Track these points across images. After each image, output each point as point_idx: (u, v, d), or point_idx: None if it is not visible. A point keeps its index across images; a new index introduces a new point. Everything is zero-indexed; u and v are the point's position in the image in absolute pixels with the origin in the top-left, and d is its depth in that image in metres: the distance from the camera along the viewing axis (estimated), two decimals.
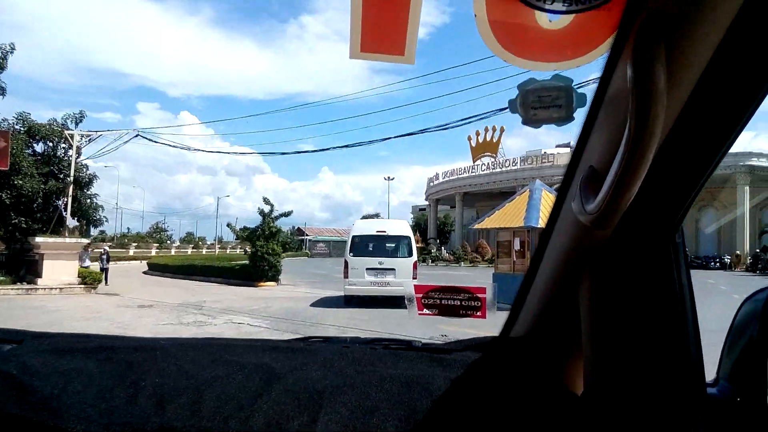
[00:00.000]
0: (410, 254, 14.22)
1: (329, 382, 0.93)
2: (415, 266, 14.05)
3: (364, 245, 14.27)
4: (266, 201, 23.44)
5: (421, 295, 1.42)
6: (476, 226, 18.03)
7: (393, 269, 13.86)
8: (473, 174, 53.48)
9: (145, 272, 31.94)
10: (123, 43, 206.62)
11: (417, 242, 53.53)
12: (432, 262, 46.43)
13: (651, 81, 0.53)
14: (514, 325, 1.13)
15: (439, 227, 61.39)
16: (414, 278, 13.60)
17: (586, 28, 1.05)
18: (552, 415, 0.87)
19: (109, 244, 42.91)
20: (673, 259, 0.82)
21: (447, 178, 57.61)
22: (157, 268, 31.40)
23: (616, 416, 0.84)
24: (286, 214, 24.38)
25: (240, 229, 25.21)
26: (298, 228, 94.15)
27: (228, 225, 26.32)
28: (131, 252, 48.09)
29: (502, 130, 43.96)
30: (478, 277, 25.52)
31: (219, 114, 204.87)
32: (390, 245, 14.52)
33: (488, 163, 50.43)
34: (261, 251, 22.70)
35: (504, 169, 50.27)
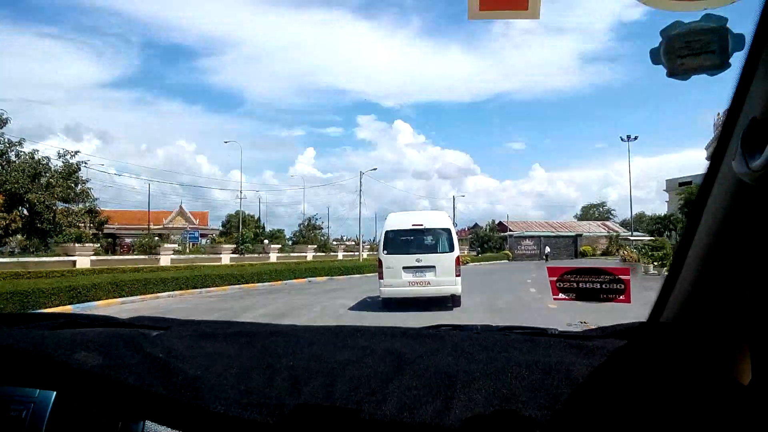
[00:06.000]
0: (451, 249, 12.92)
1: (461, 368, 0.91)
2: (458, 262, 12.80)
3: (400, 241, 12.97)
4: None
5: (555, 279, 1.29)
6: None
7: (433, 266, 12.59)
8: None
9: None
10: (341, 61, 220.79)
11: None
12: None
13: None
14: (664, 309, 1.01)
15: None
16: (457, 275, 12.64)
17: None
18: (712, 405, 0.80)
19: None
20: None
21: None
22: None
23: None
24: None
25: None
26: (499, 222, 72.40)
27: None
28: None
29: None
30: None
31: (429, 120, 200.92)
32: (428, 240, 13.16)
33: None
34: None
35: None
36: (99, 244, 29.84)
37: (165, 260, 26.49)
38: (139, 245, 28.09)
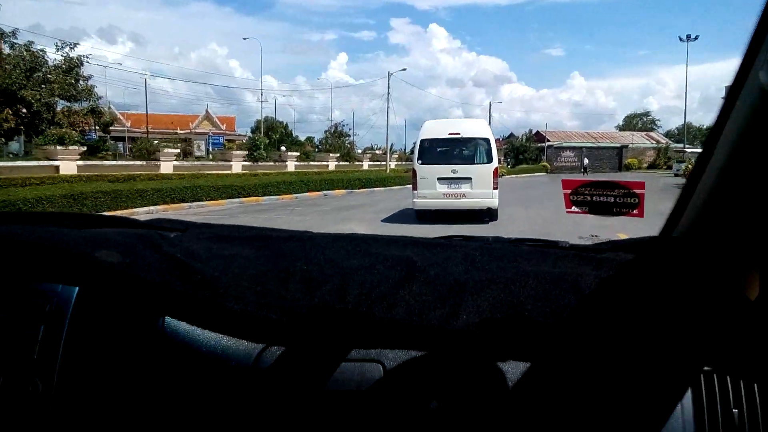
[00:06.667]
0: (489, 160, 12.16)
1: (470, 276, 0.93)
2: (495, 173, 12.00)
3: (435, 151, 12.32)
4: None
5: (569, 191, 1.29)
6: None
7: (469, 178, 11.95)
8: None
9: None
10: None
11: None
12: None
13: None
14: (677, 223, 1.02)
15: None
16: (495, 188, 11.97)
17: None
18: (718, 318, 0.82)
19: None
20: None
21: None
22: None
23: None
24: None
25: None
26: (536, 132, 67.90)
27: None
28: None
29: None
30: None
31: (466, 24, 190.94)
32: (465, 150, 12.45)
33: None
34: None
35: None
36: (106, 147, 27.18)
37: (166, 167, 23.57)
38: (136, 149, 25.16)
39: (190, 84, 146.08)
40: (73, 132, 23.09)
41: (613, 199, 1.20)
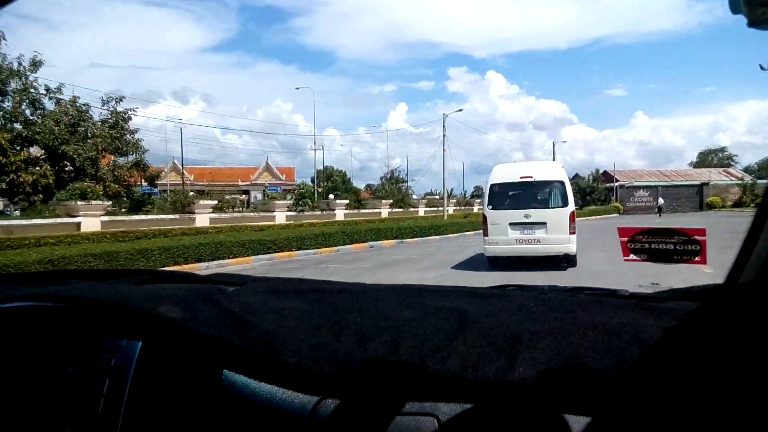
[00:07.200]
0: (565, 203, 11.33)
1: (526, 327, 0.91)
2: (572, 218, 11.12)
3: (506, 195, 11.84)
4: None
5: (626, 239, 1.25)
6: None
7: (544, 223, 11.21)
8: None
9: None
10: (432, 14, 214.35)
11: None
12: None
13: None
14: (743, 270, 0.97)
15: None
16: (572, 233, 11.05)
17: None
18: None
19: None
20: None
21: None
22: None
23: None
24: None
25: None
26: (604, 171, 63.76)
27: None
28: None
29: None
30: None
31: (523, 69, 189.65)
32: (539, 194, 11.74)
33: None
34: None
35: None
36: (151, 201, 25.81)
37: (202, 220, 21.82)
38: (171, 202, 23.52)
39: (257, 137, 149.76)
40: (107, 186, 21.78)
41: (672, 247, 1.17)
